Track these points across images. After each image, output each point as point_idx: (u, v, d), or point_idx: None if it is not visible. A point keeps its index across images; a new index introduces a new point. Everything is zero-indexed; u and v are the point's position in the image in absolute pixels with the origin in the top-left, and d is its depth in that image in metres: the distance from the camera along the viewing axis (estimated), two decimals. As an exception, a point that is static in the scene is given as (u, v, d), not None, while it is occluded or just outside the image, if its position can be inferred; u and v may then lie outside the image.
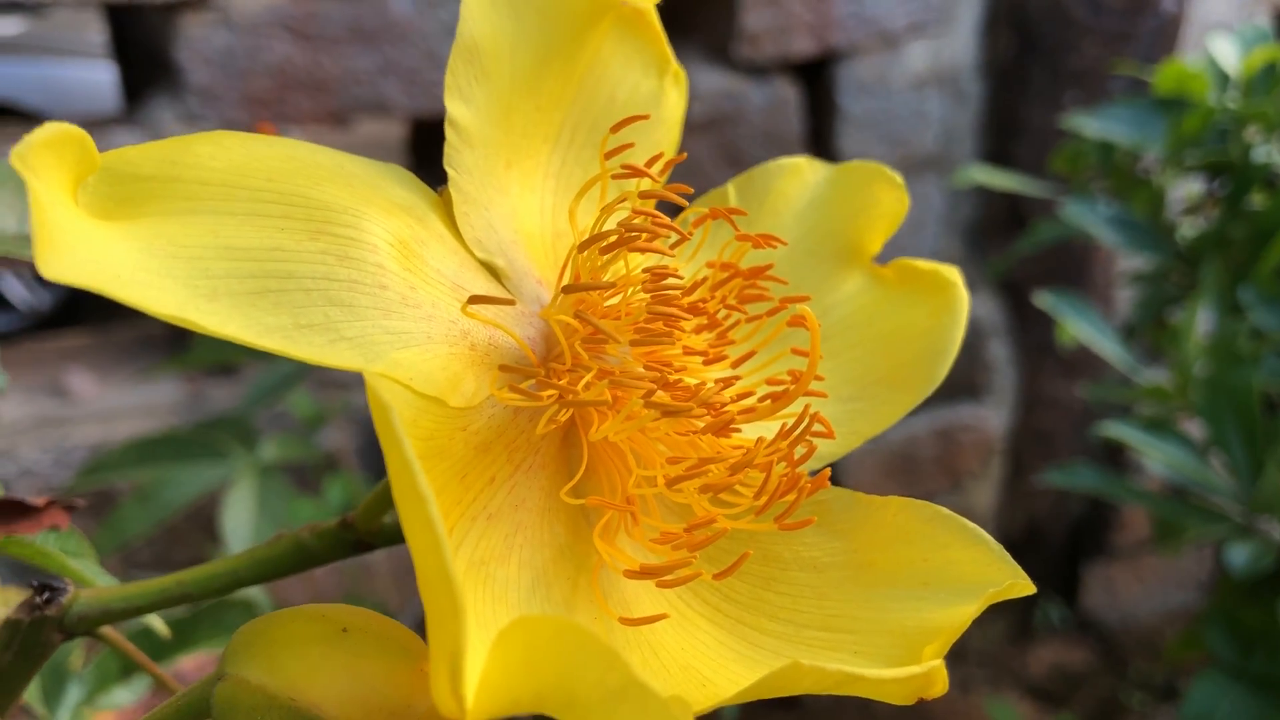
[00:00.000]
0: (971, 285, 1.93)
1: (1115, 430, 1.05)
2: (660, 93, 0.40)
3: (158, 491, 1.19)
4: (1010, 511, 2.12)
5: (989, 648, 2.12)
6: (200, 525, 1.44)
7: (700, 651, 0.31)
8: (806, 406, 0.33)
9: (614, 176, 0.35)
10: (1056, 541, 2.15)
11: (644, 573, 0.30)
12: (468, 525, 0.29)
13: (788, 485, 0.32)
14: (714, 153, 1.68)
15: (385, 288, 0.29)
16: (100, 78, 2.66)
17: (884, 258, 0.40)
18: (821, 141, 1.77)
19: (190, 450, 1.23)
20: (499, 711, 0.22)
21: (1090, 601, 2.15)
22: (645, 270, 0.33)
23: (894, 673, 0.27)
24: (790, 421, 0.33)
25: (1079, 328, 1.16)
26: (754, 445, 0.32)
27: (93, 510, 1.44)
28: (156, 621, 0.45)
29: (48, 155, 0.25)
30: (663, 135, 0.40)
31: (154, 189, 0.27)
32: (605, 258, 0.33)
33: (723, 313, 0.35)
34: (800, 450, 0.33)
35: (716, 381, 0.34)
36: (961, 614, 0.30)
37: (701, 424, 0.32)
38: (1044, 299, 1.17)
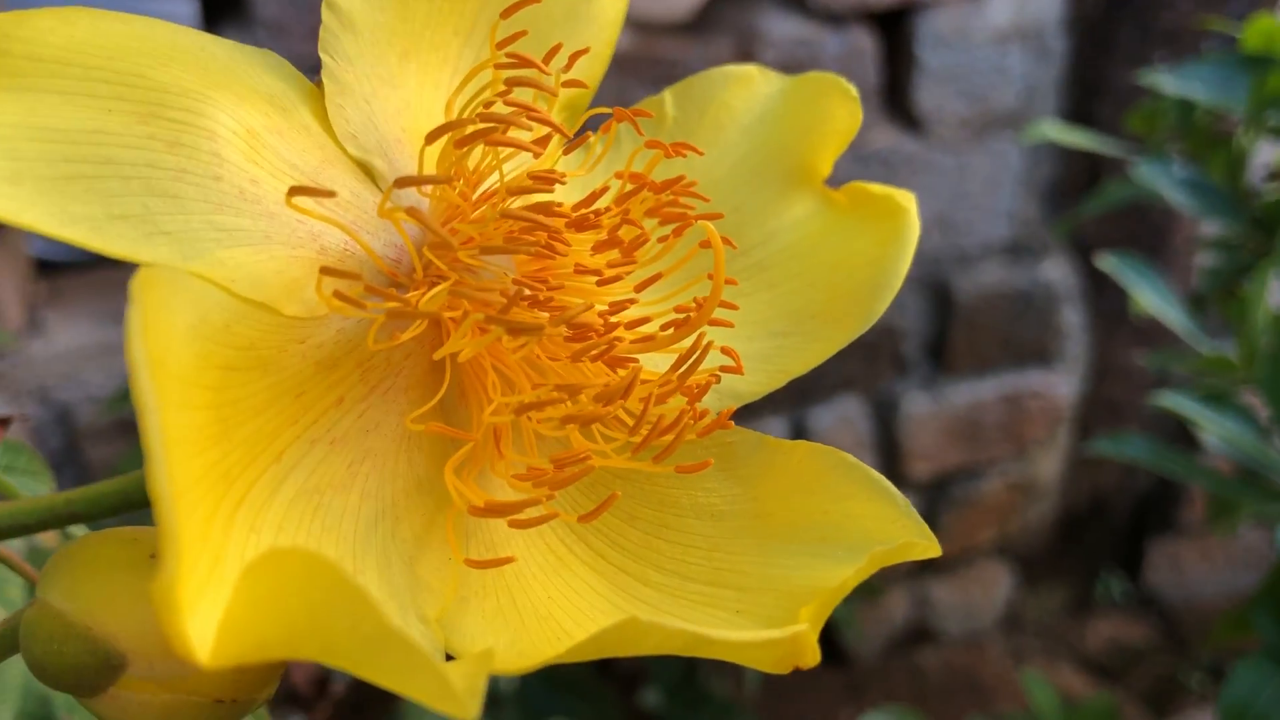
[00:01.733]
0: (1046, 247, 1.87)
1: (1171, 401, 1.02)
2: None
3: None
4: (1075, 482, 2.07)
5: (1046, 618, 2.09)
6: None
7: (569, 601, 0.29)
8: (700, 336, 0.30)
9: (498, 66, 0.32)
10: (1122, 514, 2.10)
11: (488, 510, 0.28)
12: (304, 448, 0.27)
13: (669, 423, 0.30)
14: (786, 102, 1.65)
15: (220, 179, 0.27)
16: (182, 10, 2.69)
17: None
18: (897, 94, 1.73)
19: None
20: (246, 654, 0.20)
21: (1154, 578, 2.10)
22: (529, 174, 0.31)
23: (747, 636, 0.25)
24: (686, 349, 0.30)
25: (1144, 294, 1.12)
26: (628, 375, 0.29)
27: (125, 433, 1.47)
28: (48, 538, 0.44)
29: None
30: (594, 34, 0.37)
31: None
32: (460, 151, 0.30)
33: (626, 230, 0.32)
34: (697, 384, 0.31)
35: (612, 305, 0.31)
36: (843, 574, 0.28)
37: (578, 348, 0.29)
38: (1108, 262, 1.13)
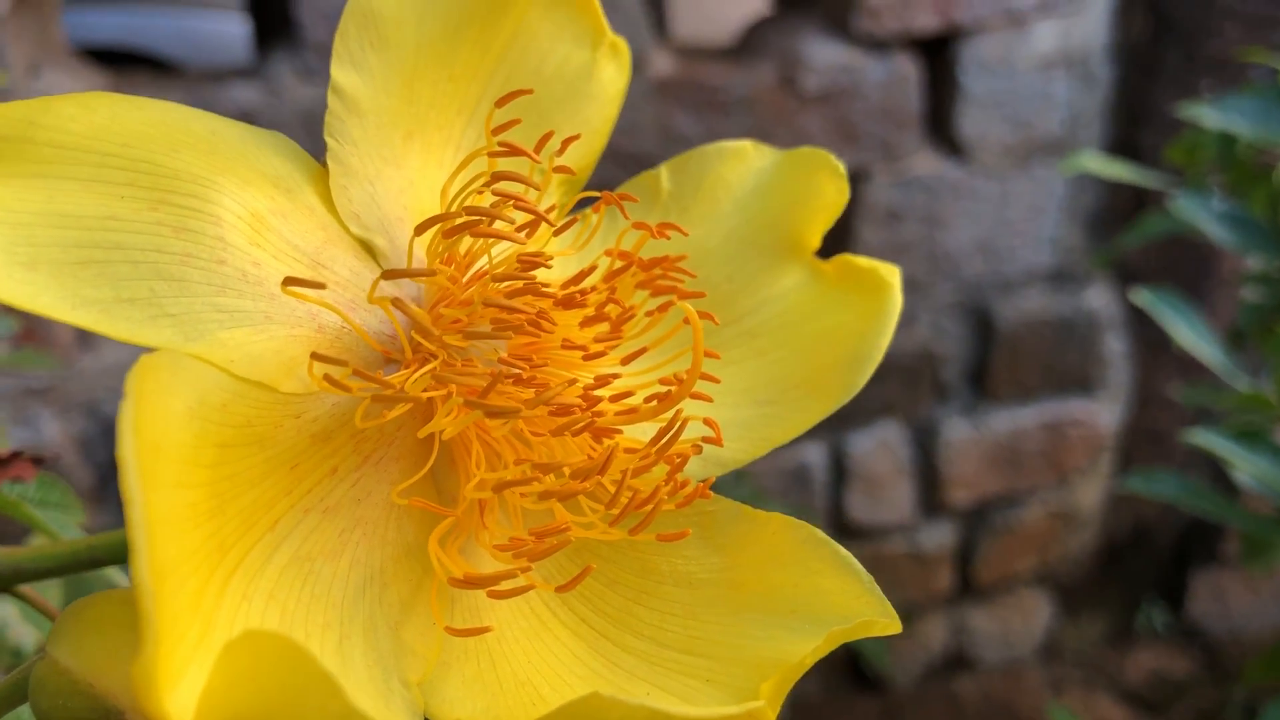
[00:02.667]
0: (1089, 275, 1.86)
1: (1204, 438, 1.01)
2: (592, 66, 0.38)
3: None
4: (1117, 511, 2.05)
5: (1085, 648, 2.07)
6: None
7: (548, 666, 0.30)
8: (678, 412, 0.31)
9: (491, 154, 0.33)
10: (1164, 544, 2.08)
11: (467, 582, 0.29)
12: (298, 517, 0.28)
13: (646, 496, 0.31)
14: (828, 127, 1.65)
15: (223, 262, 0.28)
16: (233, 30, 2.74)
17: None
18: (940, 120, 1.73)
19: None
20: None
21: (1197, 609, 2.08)
22: (517, 258, 0.32)
23: (705, 712, 0.26)
24: (664, 424, 0.31)
25: (1179, 329, 1.11)
26: (610, 451, 0.30)
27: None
28: (119, 577, 0.45)
29: None
30: (594, 111, 0.38)
31: (5, 150, 0.26)
32: (449, 240, 0.31)
33: (613, 307, 0.33)
34: (676, 456, 0.31)
35: (598, 379, 0.32)
36: (805, 649, 0.28)
37: (560, 424, 0.30)
38: (1143, 296, 1.13)
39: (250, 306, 0.28)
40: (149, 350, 0.25)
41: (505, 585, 0.29)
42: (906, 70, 1.66)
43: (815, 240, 0.39)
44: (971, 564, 1.97)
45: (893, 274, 0.37)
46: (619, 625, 0.31)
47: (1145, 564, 2.09)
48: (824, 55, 1.62)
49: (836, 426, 1.82)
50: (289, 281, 0.28)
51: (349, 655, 0.27)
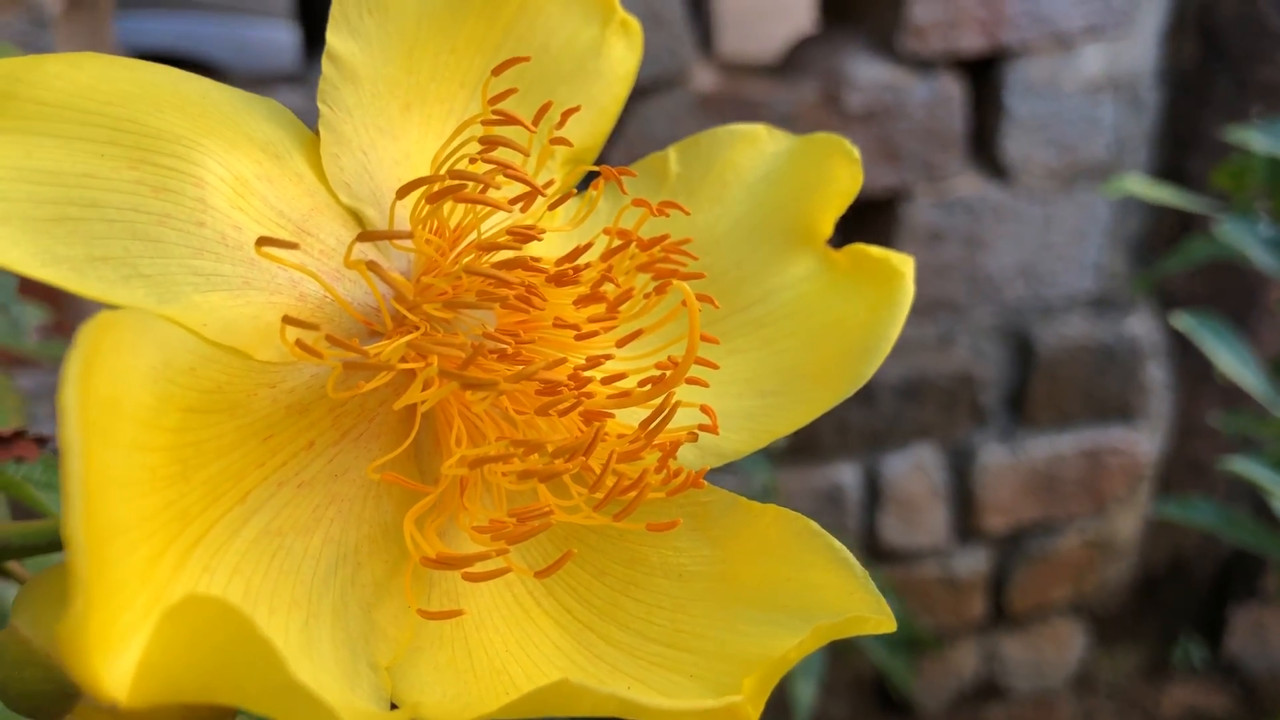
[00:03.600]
0: (1132, 301, 1.84)
1: (1242, 466, 0.99)
2: (600, 43, 0.37)
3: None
4: (1155, 542, 2.02)
5: (1120, 681, 2.03)
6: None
7: (527, 655, 0.29)
8: (668, 397, 0.30)
9: (486, 122, 0.32)
10: (1203, 577, 2.04)
11: (440, 562, 0.28)
12: (270, 490, 0.27)
13: (631, 481, 0.30)
14: (871, 145, 1.64)
15: (203, 225, 0.27)
16: (283, 38, 2.77)
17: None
18: (984, 141, 1.71)
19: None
20: (162, 696, 0.21)
21: (1236, 645, 2.04)
22: (508, 230, 0.31)
23: (681, 705, 0.25)
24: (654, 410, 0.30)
25: (1221, 355, 1.09)
26: (589, 432, 0.29)
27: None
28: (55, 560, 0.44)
29: None
30: (601, 89, 0.37)
31: None
32: (433, 206, 0.30)
33: (608, 286, 0.32)
34: (667, 442, 0.30)
35: (589, 360, 0.31)
36: (775, 644, 0.27)
37: (544, 402, 0.29)
38: (1184, 321, 1.11)
39: (228, 271, 0.27)
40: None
41: (481, 567, 0.28)
42: (951, 91, 1.65)
43: (828, 228, 0.38)
44: (1005, 591, 1.94)
45: (905, 264, 0.36)
46: (604, 617, 0.30)
47: (1183, 597, 2.05)
48: (868, 73, 1.62)
49: (871, 447, 1.81)
50: (262, 241, 0.27)
51: (315, 634, 0.26)
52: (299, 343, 0.27)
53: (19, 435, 0.39)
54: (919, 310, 1.74)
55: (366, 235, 0.29)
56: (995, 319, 1.80)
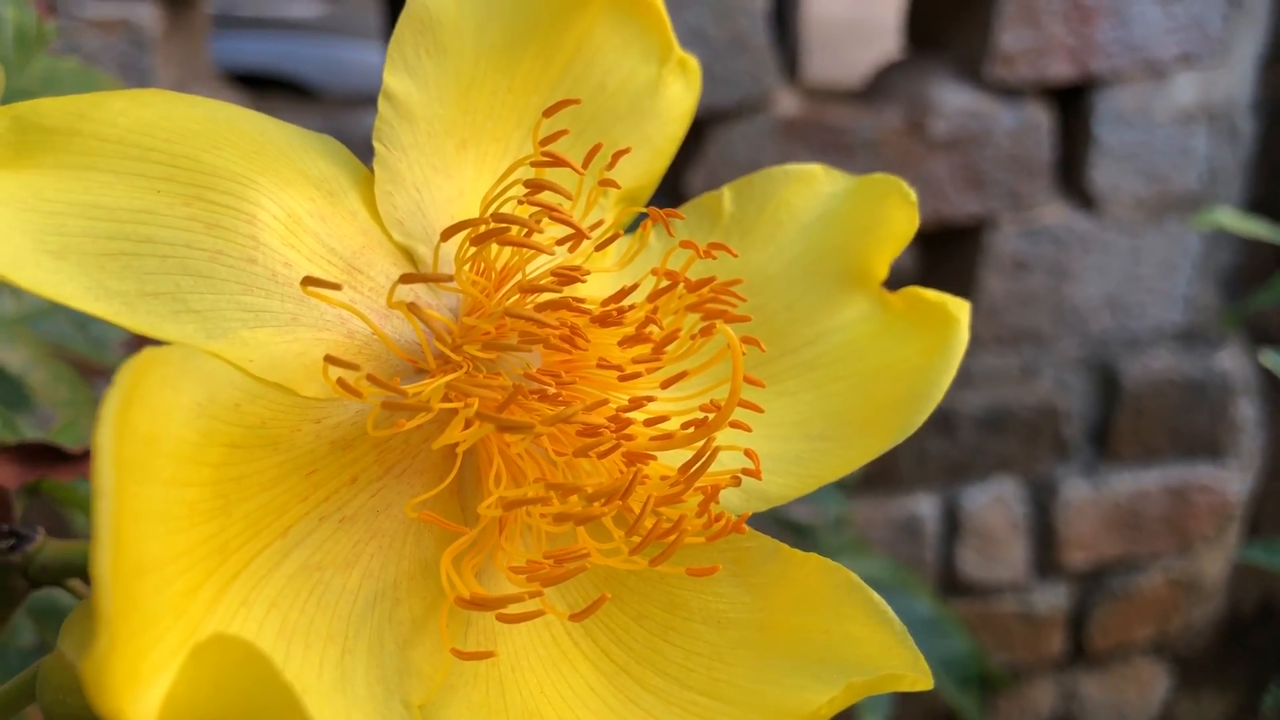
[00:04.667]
0: (1223, 336, 1.79)
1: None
2: (658, 82, 0.37)
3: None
4: (1243, 583, 1.96)
5: (1205, 726, 1.98)
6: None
7: (561, 698, 0.29)
8: (708, 441, 0.30)
9: (535, 164, 0.32)
10: (1295, 623, 1.98)
11: (474, 603, 0.28)
12: (312, 525, 0.27)
13: (670, 526, 0.29)
14: (955, 173, 1.63)
15: (254, 261, 0.28)
16: (375, 59, 2.82)
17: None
18: (1072, 171, 1.69)
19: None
20: None
21: (1329, 694, 1.97)
22: (552, 272, 0.31)
23: None
24: (701, 455, 0.30)
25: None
26: (630, 475, 0.29)
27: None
28: None
29: None
30: (657, 129, 0.37)
31: (54, 141, 0.27)
32: (478, 248, 0.30)
33: (654, 328, 0.32)
34: (708, 487, 0.30)
35: (632, 401, 0.31)
36: (809, 697, 0.27)
37: (583, 444, 0.29)
38: (1272, 359, 1.08)
39: (277, 307, 0.28)
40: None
41: (515, 609, 0.27)
42: (1039, 119, 1.63)
43: (882, 270, 0.37)
44: (1085, 629, 1.90)
45: (961, 309, 0.35)
46: (642, 661, 0.30)
47: (1273, 641, 1.99)
48: (954, 100, 1.60)
49: (950, 479, 1.78)
50: (307, 281, 0.28)
51: (349, 670, 0.26)
52: (340, 381, 0.28)
53: (89, 454, 0.40)
54: (1002, 340, 1.72)
55: (409, 277, 0.29)
56: (1080, 350, 1.76)
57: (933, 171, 1.62)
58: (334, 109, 1.56)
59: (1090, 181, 1.67)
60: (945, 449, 1.75)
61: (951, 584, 1.82)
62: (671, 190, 1.58)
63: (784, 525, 1.33)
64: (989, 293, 1.68)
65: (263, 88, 1.86)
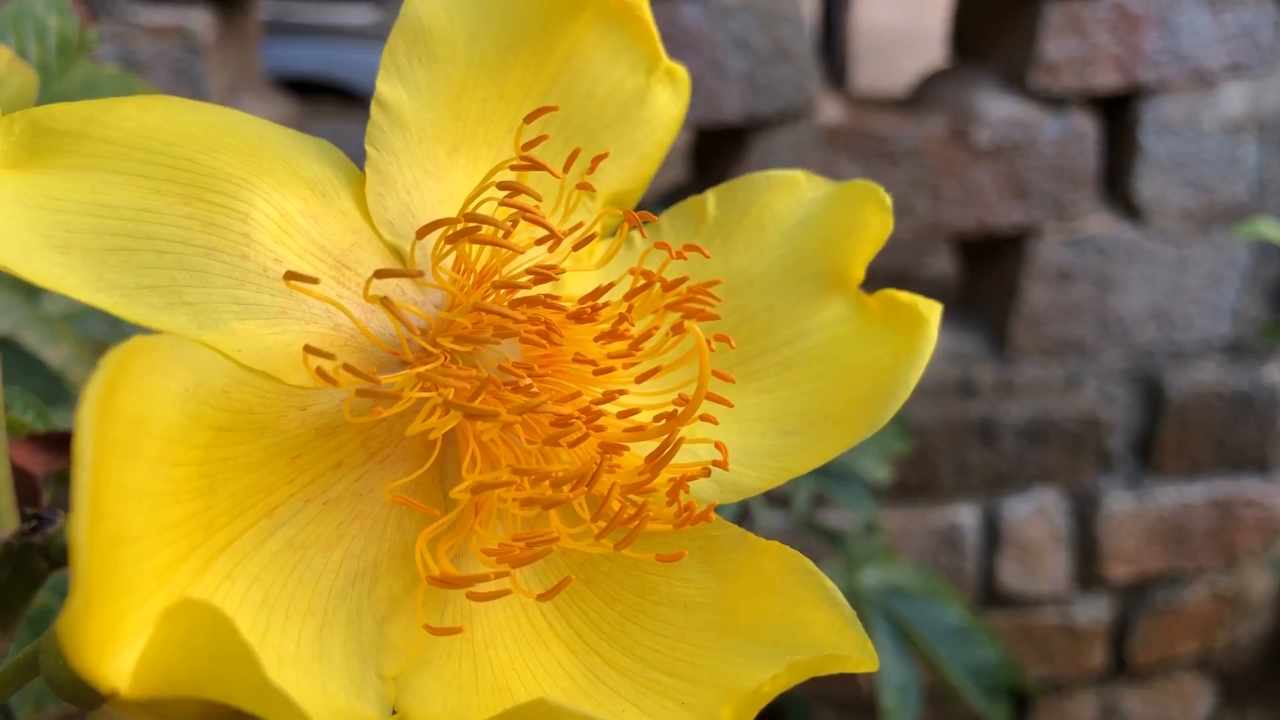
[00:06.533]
0: (1271, 349, 1.77)
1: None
2: (645, 90, 0.38)
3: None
4: (1291, 600, 1.93)
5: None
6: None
7: (531, 675, 0.30)
8: (672, 434, 0.31)
9: (514, 167, 0.34)
10: (1343, 641, 1.95)
11: (444, 581, 0.29)
12: (298, 506, 0.29)
13: (635, 511, 0.31)
14: (998, 181, 1.62)
15: (246, 258, 0.29)
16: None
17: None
18: (1116, 180, 1.68)
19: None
20: (158, 690, 0.22)
21: (1378, 713, 1.94)
22: (528, 270, 0.32)
23: None
24: (658, 444, 0.31)
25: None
26: (592, 464, 0.30)
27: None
28: None
29: None
30: (644, 136, 0.38)
31: (65, 144, 0.29)
32: (451, 246, 0.32)
33: (627, 325, 0.34)
34: (674, 477, 0.32)
35: (605, 394, 0.32)
36: (760, 677, 0.28)
37: (552, 434, 0.31)
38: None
39: (267, 301, 0.29)
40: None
41: (483, 588, 0.29)
42: (1084, 128, 1.62)
43: (859, 272, 0.38)
44: (1127, 643, 1.88)
45: (932, 310, 0.36)
46: (611, 643, 0.31)
47: (1320, 660, 1.96)
48: (998, 109, 1.60)
49: (992, 489, 1.77)
50: (289, 275, 0.29)
51: (327, 642, 0.28)
52: (319, 370, 0.29)
53: None
54: (1046, 350, 1.71)
55: (384, 273, 0.31)
56: (1125, 362, 1.75)
57: (976, 180, 1.61)
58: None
59: (1136, 191, 1.66)
60: (987, 459, 1.75)
61: (992, 595, 1.82)
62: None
63: (816, 531, 1.33)
64: (1032, 303, 1.67)
65: (312, 94, 1.88)
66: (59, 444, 0.42)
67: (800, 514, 1.32)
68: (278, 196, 0.31)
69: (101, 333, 0.65)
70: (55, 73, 0.52)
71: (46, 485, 0.41)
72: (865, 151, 1.60)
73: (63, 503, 0.38)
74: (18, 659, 0.32)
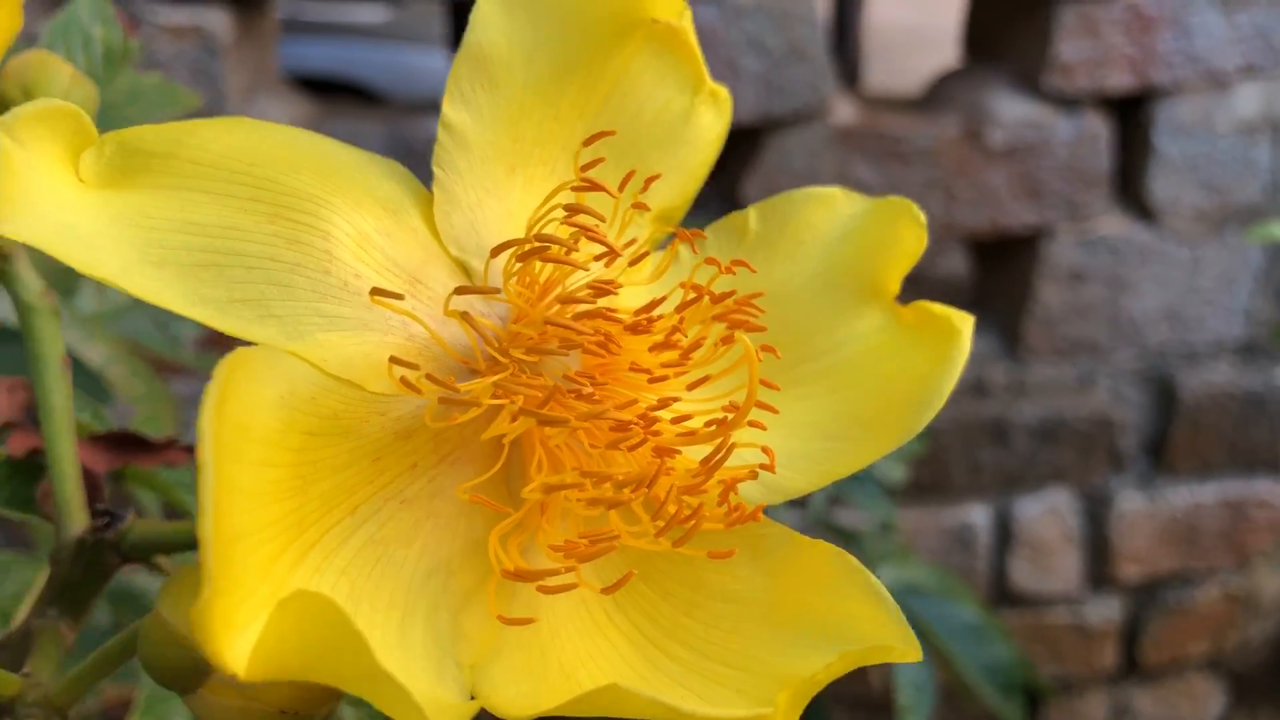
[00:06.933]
0: (1284, 350, 1.78)
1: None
2: (690, 112, 0.40)
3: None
4: (1303, 601, 1.94)
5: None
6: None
7: (595, 664, 0.32)
8: (725, 439, 0.33)
9: (575, 188, 0.36)
10: (1355, 642, 1.95)
11: (517, 575, 0.31)
12: (378, 504, 0.31)
13: (692, 511, 0.33)
14: (1012, 182, 1.63)
15: (328, 273, 0.31)
16: (439, 64, 2.86)
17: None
18: (1130, 181, 1.68)
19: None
20: (274, 674, 0.25)
21: (1389, 714, 1.94)
22: (589, 285, 0.34)
23: (716, 711, 0.28)
24: (715, 450, 0.33)
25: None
26: (656, 467, 0.32)
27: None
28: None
29: (37, 126, 0.29)
30: (689, 155, 0.40)
31: (153, 164, 0.31)
32: (523, 264, 0.34)
33: (680, 336, 0.35)
34: (726, 479, 0.33)
35: (660, 401, 0.34)
36: (814, 666, 0.30)
37: (614, 438, 0.33)
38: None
39: (348, 313, 0.31)
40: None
41: (553, 581, 0.31)
42: (1097, 129, 1.63)
43: (895, 285, 0.40)
44: (1139, 642, 1.89)
45: (964, 321, 0.38)
46: (668, 634, 0.33)
47: (1331, 660, 1.96)
48: (1012, 110, 1.60)
49: (1004, 489, 1.78)
50: (375, 291, 0.32)
51: (409, 632, 0.30)
52: (403, 379, 0.31)
53: (171, 444, 0.44)
54: (1058, 351, 1.71)
55: (463, 289, 0.33)
56: (1137, 362, 1.75)
57: (990, 181, 1.62)
58: (397, 115, 1.60)
59: (1149, 193, 1.66)
60: (999, 459, 1.75)
61: (1003, 594, 1.82)
62: (729, 196, 1.60)
63: (832, 530, 1.34)
64: (1045, 303, 1.68)
65: (328, 93, 1.90)
66: (117, 444, 0.43)
67: (816, 513, 1.33)
68: (355, 215, 0.33)
69: (138, 332, 0.67)
70: (101, 82, 0.53)
71: (106, 483, 0.43)
72: (879, 152, 1.61)
73: (123, 501, 0.39)
74: (111, 644, 0.34)
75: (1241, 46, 1.62)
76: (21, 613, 0.48)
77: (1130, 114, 1.65)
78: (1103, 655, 1.88)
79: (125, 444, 0.44)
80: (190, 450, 0.44)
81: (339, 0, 3.28)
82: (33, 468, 0.41)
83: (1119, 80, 1.59)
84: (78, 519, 0.37)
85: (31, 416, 0.42)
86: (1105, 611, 1.86)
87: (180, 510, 0.45)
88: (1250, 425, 1.78)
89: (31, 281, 0.39)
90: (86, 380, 0.58)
